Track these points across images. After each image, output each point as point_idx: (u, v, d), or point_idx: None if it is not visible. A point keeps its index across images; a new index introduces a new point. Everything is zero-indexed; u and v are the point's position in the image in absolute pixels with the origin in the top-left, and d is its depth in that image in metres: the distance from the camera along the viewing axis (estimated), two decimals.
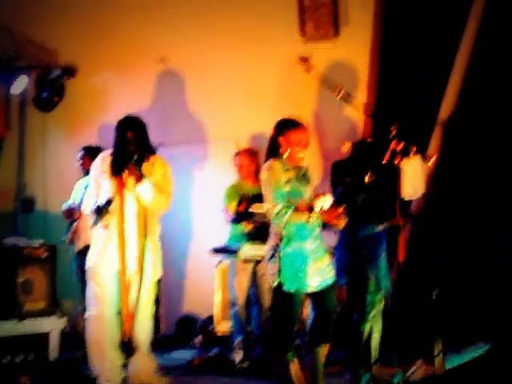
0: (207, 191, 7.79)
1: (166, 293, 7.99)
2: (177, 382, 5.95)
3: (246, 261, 6.34)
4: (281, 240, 4.77)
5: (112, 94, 8.15)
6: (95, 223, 5.38)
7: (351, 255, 5.50)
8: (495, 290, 6.28)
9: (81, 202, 6.16)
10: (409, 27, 6.93)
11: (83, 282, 5.71)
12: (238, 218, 6.44)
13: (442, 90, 6.75)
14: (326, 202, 4.72)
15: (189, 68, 8.09)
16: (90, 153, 6.76)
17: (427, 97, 6.70)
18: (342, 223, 4.85)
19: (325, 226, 4.98)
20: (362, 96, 7.03)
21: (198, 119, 8.10)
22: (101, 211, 5.34)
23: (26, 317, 6.06)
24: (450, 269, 6.34)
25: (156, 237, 5.56)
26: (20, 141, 8.61)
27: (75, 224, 6.99)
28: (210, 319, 7.18)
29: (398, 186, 4.97)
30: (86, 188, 5.87)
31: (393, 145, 4.62)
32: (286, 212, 4.70)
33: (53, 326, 6.22)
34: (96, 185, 5.46)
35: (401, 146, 4.63)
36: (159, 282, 5.71)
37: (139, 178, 5.32)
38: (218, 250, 6.61)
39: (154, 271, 5.48)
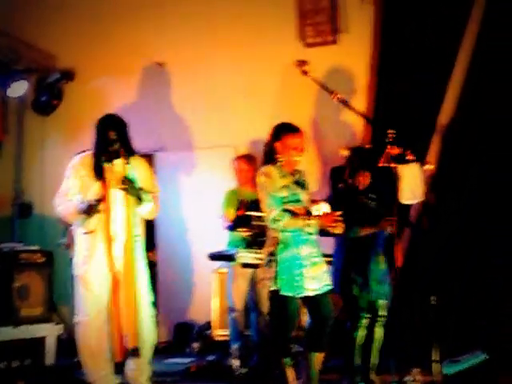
0: (206, 197, 7.76)
1: (164, 298, 7.97)
2: None
3: (244, 266, 6.31)
4: (278, 245, 4.76)
5: (111, 98, 8.12)
6: (81, 223, 5.21)
7: (341, 259, 5.51)
8: (495, 291, 6.30)
9: None
10: (408, 32, 6.93)
11: None
12: (237, 223, 6.41)
13: (441, 95, 6.75)
14: (322, 208, 4.73)
15: (188, 73, 8.08)
16: None
17: (426, 102, 6.71)
18: (339, 228, 4.83)
19: (322, 232, 4.97)
20: (361, 101, 7.01)
21: (197, 124, 8.09)
22: (91, 209, 5.14)
23: (22, 322, 6.04)
24: (450, 270, 6.33)
25: (142, 236, 5.38)
26: (18, 145, 8.58)
27: (72, 229, 6.95)
28: (208, 325, 7.16)
29: (396, 190, 4.94)
30: None
31: (388, 149, 4.59)
32: (283, 217, 4.71)
33: (49, 331, 6.20)
34: (76, 186, 5.23)
35: (396, 150, 4.60)
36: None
37: (139, 197, 5.18)
38: (215, 256, 6.58)
39: (147, 271, 5.35)
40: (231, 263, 6.44)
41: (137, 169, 5.27)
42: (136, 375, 5.25)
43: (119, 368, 5.28)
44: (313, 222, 4.77)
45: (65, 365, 6.19)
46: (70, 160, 5.43)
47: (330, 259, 5.55)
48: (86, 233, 5.22)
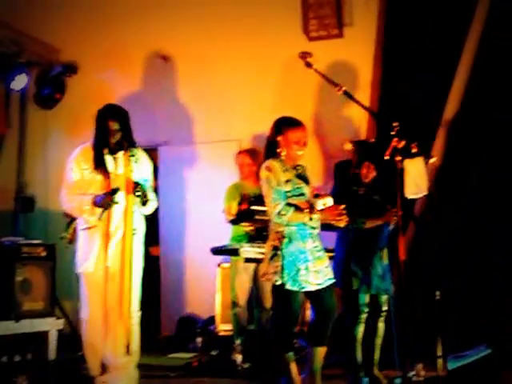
0: (209, 191, 7.73)
1: (167, 293, 7.97)
2: (178, 383, 5.93)
3: (247, 261, 6.30)
4: (282, 239, 4.73)
5: (114, 92, 8.10)
6: (100, 216, 5.00)
7: (342, 252, 5.49)
8: (496, 290, 6.29)
9: None
10: (413, 27, 6.90)
11: None
12: (240, 217, 6.39)
13: (446, 91, 6.74)
14: (327, 202, 4.73)
15: (191, 66, 8.07)
16: None
17: (431, 97, 6.69)
18: (343, 222, 4.81)
19: (326, 226, 4.95)
20: (365, 96, 6.97)
21: (201, 119, 8.08)
22: (109, 201, 4.95)
23: (23, 317, 6.03)
24: (452, 268, 6.30)
25: (141, 231, 5.22)
26: (20, 138, 8.57)
27: (76, 222, 6.92)
28: (211, 320, 7.15)
29: (400, 184, 4.91)
30: None
31: (394, 142, 4.56)
32: (287, 211, 4.69)
33: (51, 326, 6.18)
34: (80, 180, 5.09)
35: (402, 143, 4.57)
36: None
37: (144, 197, 5.08)
38: (217, 251, 6.56)
39: (139, 266, 5.17)
40: (234, 258, 6.43)
41: (139, 161, 5.18)
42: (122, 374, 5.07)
43: None
44: (317, 215, 4.74)
45: (67, 359, 6.17)
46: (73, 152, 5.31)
47: (331, 254, 5.54)
48: (87, 228, 5.10)
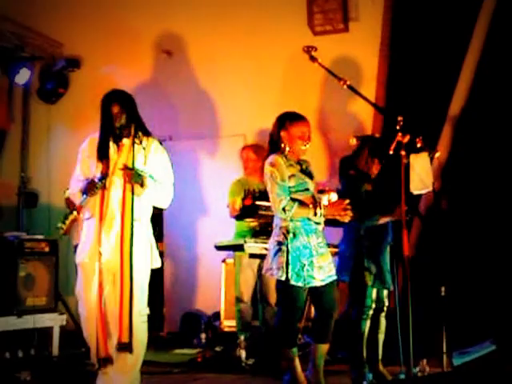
0: (214, 187, 7.72)
1: (171, 289, 7.96)
2: (181, 379, 5.89)
3: (252, 256, 6.28)
4: (287, 234, 4.72)
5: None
6: (82, 202, 4.77)
7: (353, 248, 5.45)
8: (502, 285, 6.28)
9: None
10: (419, 21, 6.86)
11: None
12: (244, 213, 6.37)
13: (452, 86, 6.70)
14: (332, 197, 4.75)
15: (195, 61, 8.06)
16: None
17: (437, 92, 6.67)
18: (347, 217, 4.80)
19: (330, 222, 4.93)
20: (370, 90, 6.94)
21: (206, 113, 8.06)
22: (92, 187, 4.71)
23: (27, 312, 6.02)
24: (457, 264, 6.28)
25: (145, 223, 4.90)
26: (23, 133, 8.56)
27: (75, 213, 6.88)
28: (216, 316, 7.13)
29: (406, 180, 4.88)
30: None
31: (398, 137, 4.54)
32: (292, 207, 4.68)
33: (54, 321, 6.17)
34: (83, 168, 4.89)
35: (407, 138, 4.54)
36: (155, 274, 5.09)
37: (141, 184, 4.75)
38: (222, 247, 6.54)
39: (144, 260, 4.82)
40: (238, 253, 6.42)
41: (149, 150, 4.90)
42: (122, 372, 4.75)
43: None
44: (321, 211, 4.72)
45: (70, 355, 6.17)
46: (76, 148, 5.22)
47: (334, 250, 5.55)
48: (88, 218, 4.89)
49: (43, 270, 6.31)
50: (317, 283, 4.75)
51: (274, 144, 4.89)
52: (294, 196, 4.74)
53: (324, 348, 4.85)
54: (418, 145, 4.70)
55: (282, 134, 4.84)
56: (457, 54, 6.68)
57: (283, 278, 4.67)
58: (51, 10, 8.23)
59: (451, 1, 6.74)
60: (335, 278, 4.88)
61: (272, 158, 4.81)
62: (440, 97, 6.67)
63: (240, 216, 6.42)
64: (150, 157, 4.88)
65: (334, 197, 4.92)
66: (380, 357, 5.52)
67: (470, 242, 6.43)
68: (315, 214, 4.71)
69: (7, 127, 8.47)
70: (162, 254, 8.13)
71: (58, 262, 6.50)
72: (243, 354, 6.22)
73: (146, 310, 4.82)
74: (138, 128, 4.86)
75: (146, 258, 4.85)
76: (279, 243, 4.74)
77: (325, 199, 4.85)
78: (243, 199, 6.42)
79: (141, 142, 4.86)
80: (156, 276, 7.94)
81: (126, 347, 4.63)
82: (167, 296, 8.10)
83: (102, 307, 4.68)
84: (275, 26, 7.51)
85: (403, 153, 4.57)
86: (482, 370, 5.43)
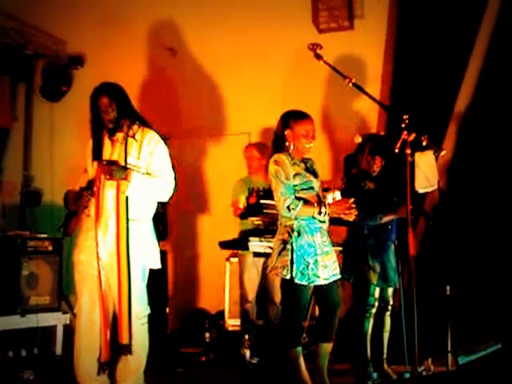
0: (219, 185, 7.70)
1: (175, 288, 7.95)
2: (186, 378, 5.91)
3: (256, 255, 6.26)
4: (291, 233, 4.72)
5: (121, 84, 8.04)
6: (77, 210, 4.64)
7: (357, 247, 5.46)
8: (507, 285, 6.26)
9: None
10: (425, 18, 6.85)
11: None
12: (248, 211, 6.35)
13: (458, 83, 6.68)
14: (336, 196, 4.83)
15: (199, 58, 8.02)
16: None
17: (443, 90, 6.65)
18: (352, 215, 4.79)
19: (334, 221, 4.92)
20: (375, 88, 6.92)
21: (210, 112, 8.04)
22: (80, 195, 4.58)
23: (30, 311, 6.00)
24: (463, 263, 6.26)
25: (144, 220, 4.70)
26: (26, 132, 8.53)
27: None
28: (220, 315, 7.12)
29: (411, 178, 4.86)
30: None
31: (404, 135, 4.52)
32: (296, 205, 4.67)
33: (57, 320, 6.16)
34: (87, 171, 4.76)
35: (412, 136, 4.52)
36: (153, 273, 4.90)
37: (122, 178, 4.49)
38: (226, 245, 6.53)
39: (142, 260, 4.64)
40: (242, 252, 6.40)
41: (144, 143, 4.64)
42: (125, 375, 4.62)
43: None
44: (326, 209, 4.71)
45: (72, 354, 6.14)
46: (80, 147, 5.19)
47: (338, 248, 5.54)
48: (85, 216, 4.70)
49: (46, 269, 6.30)
50: (321, 282, 4.75)
51: (279, 142, 4.88)
52: (299, 194, 4.73)
53: (328, 347, 4.85)
54: (424, 143, 4.67)
55: (286, 132, 4.83)
56: (463, 51, 6.66)
57: (288, 277, 4.67)
58: (54, 7, 8.19)
59: None
60: (340, 276, 4.89)
61: (276, 156, 4.80)
62: (445, 95, 6.66)
63: (244, 215, 6.40)
64: (144, 149, 4.64)
65: (338, 195, 4.91)
66: (385, 356, 5.52)
67: (476, 241, 6.42)
68: (320, 213, 4.70)
69: (10, 125, 8.43)
70: (166, 253, 8.20)
71: (62, 260, 6.48)
72: (247, 353, 6.21)
73: (147, 311, 4.68)
74: (132, 120, 4.67)
75: (145, 258, 4.67)
76: (284, 242, 4.74)
77: (329, 198, 4.85)
78: (247, 198, 6.42)
79: (134, 135, 4.63)
80: (160, 275, 7.97)
81: (125, 349, 4.50)
82: (171, 295, 8.08)
83: (104, 309, 4.54)
84: (280, 23, 7.47)
85: (408, 151, 4.54)
86: (487, 369, 5.42)
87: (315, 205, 4.70)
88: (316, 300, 5.00)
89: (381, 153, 5.52)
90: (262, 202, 6.05)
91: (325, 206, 4.70)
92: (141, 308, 4.61)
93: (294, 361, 4.78)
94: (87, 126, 7.68)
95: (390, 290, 5.53)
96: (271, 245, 5.77)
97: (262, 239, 6.17)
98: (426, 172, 5.57)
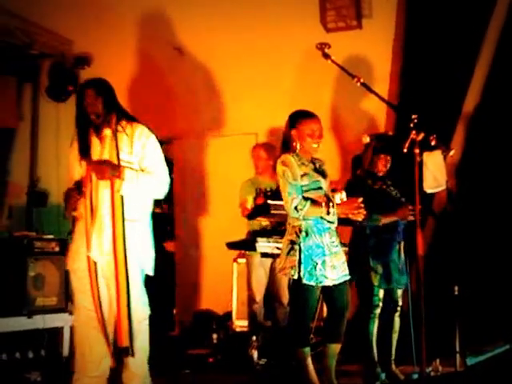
0: (225, 186, 7.69)
1: (182, 289, 7.93)
2: (193, 379, 5.89)
3: (264, 256, 6.25)
4: (299, 233, 4.72)
5: (127, 84, 8.04)
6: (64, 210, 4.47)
7: (359, 247, 5.45)
8: None
9: None
10: (433, 18, 6.83)
11: None
12: (256, 212, 6.34)
13: (466, 82, 6.67)
14: (343, 196, 4.79)
15: (205, 58, 8.01)
16: None
17: (451, 89, 6.63)
18: (360, 215, 4.77)
19: (342, 221, 4.91)
20: (383, 88, 6.89)
21: (216, 112, 8.02)
22: (68, 196, 4.42)
23: (36, 312, 5.98)
24: (471, 263, 6.24)
25: (141, 221, 4.53)
26: (32, 132, 8.51)
27: None
28: (227, 316, 7.11)
29: (419, 178, 4.83)
30: None
31: (412, 135, 4.49)
32: (304, 206, 4.66)
33: (64, 322, 6.14)
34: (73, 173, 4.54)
35: (421, 136, 4.50)
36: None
37: (117, 176, 4.32)
38: (233, 245, 6.52)
39: (136, 264, 4.44)
40: (249, 253, 6.39)
41: (135, 138, 4.46)
42: (129, 378, 4.50)
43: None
44: (334, 209, 4.70)
45: None
46: None
47: (345, 249, 5.50)
48: (78, 219, 4.52)
49: (53, 270, 6.27)
50: (329, 282, 4.74)
51: (286, 143, 4.87)
52: (307, 195, 4.72)
53: (336, 348, 4.84)
54: (433, 143, 4.64)
55: (293, 132, 4.83)
56: (471, 50, 6.63)
57: (296, 277, 4.66)
58: (61, 6, 8.15)
59: None
60: (348, 277, 4.87)
61: (284, 157, 4.81)
62: (454, 94, 6.64)
63: (252, 215, 6.39)
64: (136, 144, 4.46)
65: (345, 196, 4.89)
66: (393, 357, 5.50)
67: (484, 241, 6.39)
68: (328, 213, 4.68)
69: (16, 126, 8.42)
70: (173, 254, 8.20)
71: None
72: (255, 354, 6.20)
73: (147, 312, 4.53)
74: (119, 115, 4.48)
75: (143, 259, 4.51)
76: (292, 242, 4.74)
77: (337, 198, 4.83)
78: (255, 198, 6.40)
79: (124, 129, 4.45)
80: (167, 276, 7.98)
81: (126, 352, 4.37)
82: (178, 296, 8.08)
83: (101, 316, 4.40)
84: (287, 22, 7.44)
85: (417, 151, 4.52)
86: (496, 370, 5.39)
87: (323, 205, 4.68)
88: (325, 300, 4.99)
89: (385, 152, 5.51)
90: (269, 202, 6.04)
91: (333, 206, 4.69)
92: (141, 310, 4.47)
93: (301, 361, 4.78)
94: None
95: (399, 291, 5.51)
96: (279, 245, 5.80)
97: (270, 240, 6.17)
98: (435, 172, 5.57)
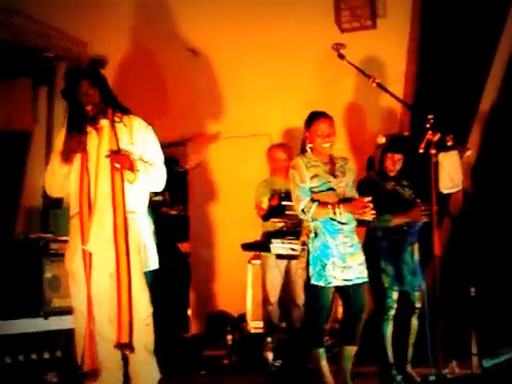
0: (239, 187, 7.68)
1: (197, 289, 7.93)
2: (208, 381, 5.88)
3: (278, 257, 6.24)
4: (309, 234, 4.77)
5: (142, 86, 8.06)
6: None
7: (371, 248, 5.39)
8: None
9: None
10: (448, 17, 6.80)
11: None
12: (271, 213, 6.32)
13: (482, 82, 6.63)
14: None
15: (221, 59, 8.02)
16: None
17: (467, 89, 6.61)
18: (368, 215, 4.73)
19: (361, 222, 4.91)
20: (398, 89, 6.86)
21: (230, 113, 8.02)
22: (70, 139, 4.31)
23: (53, 314, 5.98)
24: (488, 264, 6.20)
25: (142, 214, 4.45)
26: (48, 134, 8.53)
27: None
28: (243, 317, 7.10)
29: (433, 178, 4.81)
30: None
31: (428, 135, 4.48)
32: (311, 208, 4.71)
33: None
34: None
35: (437, 136, 4.48)
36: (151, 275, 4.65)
37: (131, 167, 4.25)
38: (248, 246, 6.51)
39: (137, 259, 4.36)
40: (264, 254, 6.38)
41: (134, 129, 4.42)
42: (132, 373, 4.46)
43: None
44: (339, 210, 4.70)
45: None
46: None
47: None
48: (72, 216, 4.42)
49: None
50: (339, 283, 4.74)
51: (302, 145, 4.94)
52: (317, 196, 4.75)
53: (351, 350, 4.83)
54: (449, 143, 4.62)
55: (306, 134, 4.88)
56: (487, 50, 6.62)
57: (306, 278, 4.73)
58: (77, 8, 8.19)
59: None
60: (366, 279, 4.85)
61: (294, 160, 4.91)
62: (470, 94, 6.62)
63: (266, 216, 6.38)
64: (136, 135, 4.41)
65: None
66: (409, 358, 5.47)
67: (501, 242, 6.34)
68: (334, 214, 4.69)
69: (32, 128, 8.45)
70: (187, 255, 8.20)
71: None
72: (270, 355, 6.19)
73: (149, 310, 4.44)
74: (114, 106, 4.42)
75: (144, 255, 4.43)
76: (303, 243, 4.81)
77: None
78: (270, 199, 6.39)
79: (121, 120, 4.39)
80: (181, 277, 7.98)
81: (126, 347, 4.29)
82: (192, 297, 8.08)
83: (90, 317, 4.37)
84: (302, 23, 7.44)
85: (433, 151, 4.50)
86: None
87: (329, 206, 4.70)
88: (342, 302, 5.01)
89: (394, 151, 5.49)
90: (283, 203, 6.03)
91: (339, 206, 4.69)
92: (142, 307, 4.38)
93: (315, 362, 4.79)
94: None
95: (416, 294, 5.46)
96: (293, 246, 5.84)
97: (284, 241, 6.16)
98: (451, 172, 5.54)
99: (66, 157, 4.34)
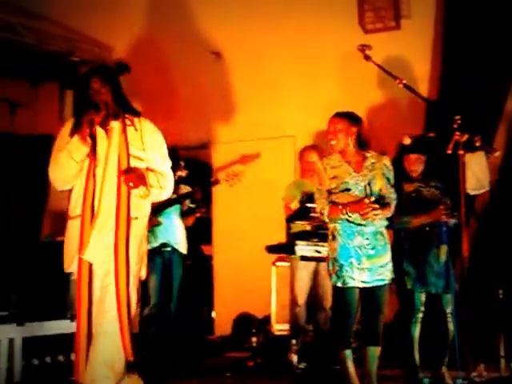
0: (263, 189, 7.68)
1: (221, 292, 7.93)
2: (233, 383, 5.87)
3: (303, 259, 6.22)
4: (329, 236, 4.83)
5: (166, 89, 8.08)
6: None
7: (395, 250, 5.28)
8: None
9: None
10: (472, 17, 6.75)
11: None
12: (295, 215, 6.31)
13: (508, 82, 6.57)
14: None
15: (244, 61, 8.02)
16: None
17: (492, 89, 6.54)
18: (370, 215, 4.66)
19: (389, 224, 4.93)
20: (423, 89, 6.82)
21: (254, 115, 8.01)
22: (79, 123, 4.12)
23: None
24: None
25: (142, 221, 4.27)
26: None
27: None
28: (267, 319, 7.09)
29: (460, 179, 4.78)
30: None
31: (456, 136, 4.45)
32: (324, 210, 4.77)
33: None
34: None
35: (465, 137, 4.45)
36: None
37: (144, 184, 4.10)
38: (272, 248, 6.49)
39: (137, 269, 4.22)
40: (293, 256, 6.35)
41: (144, 133, 4.23)
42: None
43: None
44: (347, 210, 4.70)
45: None
46: None
47: None
48: (72, 218, 4.23)
49: None
50: (358, 284, 4.73)
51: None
52: (336, 197, 4.76)
53: (374, 351, 4.81)
54: (477, 144, 4.59)
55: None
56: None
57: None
58: (101, 13, 8.24)
59: None
60: (387, 281, 4.81)
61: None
62: (495, 94, 6.56)
63: (291, 218, 6.36)
64: (146, 140, 4.22)
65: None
66: (445, 360, 5.36)
67: None
68: (344, 215, 4.69)
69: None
70: (210, 257, 8.22)
71: None
72: (295, 358, 6.16)
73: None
74: (125, 108, 4.25)
75: (139, 261, 4.25)
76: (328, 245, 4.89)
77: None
78: (300, 201, 6.35)
79: (132, 123, 4.20)
80: (205, 279, 8.00)
81: (131, 367, 4.20)
82: (217, 299, 8.08)
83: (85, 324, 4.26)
84: (326, 24, 7.43)
85: (461, 152, 4.47)
86: None
87: (340, 207, 4.71)
88: (361, 303, 4.95)
89: (415, 151, 5.45)
90: (308, 205, 6.01)
91: (346, 207, 4.69)
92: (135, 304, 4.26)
93: (341, 363, 4.78)
94: None
95: (447, 296, 5.35)
96: (318, 248, 5.82)
97: (310, 243, 6.14)
98: (477, 173, 5.50)
99: (82, 134, 4.09)
